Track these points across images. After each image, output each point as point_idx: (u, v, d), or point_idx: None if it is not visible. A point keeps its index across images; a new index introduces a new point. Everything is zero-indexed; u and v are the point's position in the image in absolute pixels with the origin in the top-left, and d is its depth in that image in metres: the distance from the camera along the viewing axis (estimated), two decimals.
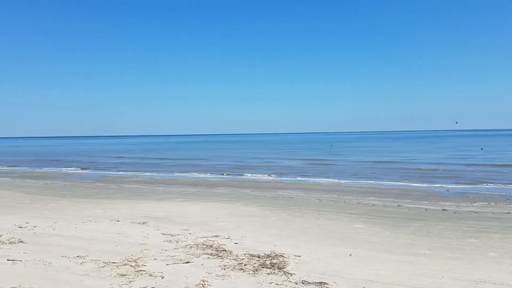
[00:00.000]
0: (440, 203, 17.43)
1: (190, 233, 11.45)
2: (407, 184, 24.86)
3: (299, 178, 28.78)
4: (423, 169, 33.81)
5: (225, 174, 32.07)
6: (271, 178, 29.01)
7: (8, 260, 8.71)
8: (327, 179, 27.70)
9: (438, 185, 23.88)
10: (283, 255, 9.19)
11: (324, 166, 38.51)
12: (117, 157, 58.99)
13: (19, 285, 7.03)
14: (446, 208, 16.15)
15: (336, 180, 27.22)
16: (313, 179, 28.23)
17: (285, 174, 31.77)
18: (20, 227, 12.26)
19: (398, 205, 16.86)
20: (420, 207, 16.37)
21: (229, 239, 10.71)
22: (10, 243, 10.28)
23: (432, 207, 16.34)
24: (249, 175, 31.28)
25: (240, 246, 10.01)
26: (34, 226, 12.39)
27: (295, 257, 9.02)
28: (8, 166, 44.11)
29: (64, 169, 38.92)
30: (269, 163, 43.56)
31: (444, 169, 33.42)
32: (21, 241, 10.43)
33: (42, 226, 12.47)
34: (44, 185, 24.85)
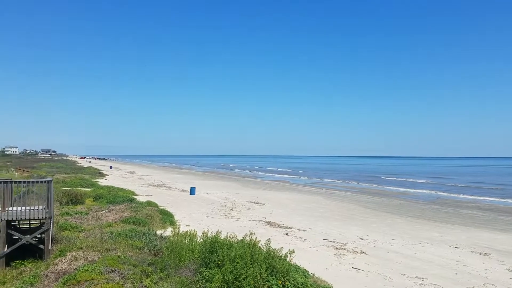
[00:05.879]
0: None
1: None
2: None
3: None
4: None
5: None
6: None
7: (352, 267, 9.68)
8: None
9: None
10: None
11: None
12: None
13: None
14: None
15: None
16: None
17: None
18: (362, 239, 13.44)
19: None
20: None
21: None
22: (354, 252, 11.39)
23: None
24: None
25: None
26: (374, 240, 13.29)
27: None
28: (339, 180, 49.74)
29: (397, 188, 40.24)
30: None
31: None
32: (363, 252, 11.40)
33: (381, 240, 13.22)
34: (380, 202, 26.46)
